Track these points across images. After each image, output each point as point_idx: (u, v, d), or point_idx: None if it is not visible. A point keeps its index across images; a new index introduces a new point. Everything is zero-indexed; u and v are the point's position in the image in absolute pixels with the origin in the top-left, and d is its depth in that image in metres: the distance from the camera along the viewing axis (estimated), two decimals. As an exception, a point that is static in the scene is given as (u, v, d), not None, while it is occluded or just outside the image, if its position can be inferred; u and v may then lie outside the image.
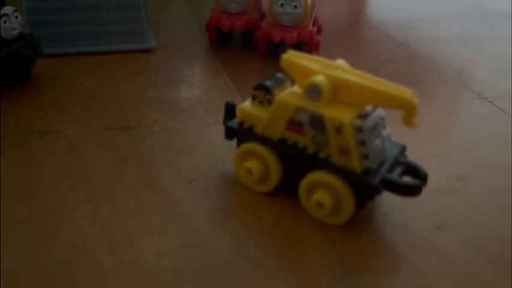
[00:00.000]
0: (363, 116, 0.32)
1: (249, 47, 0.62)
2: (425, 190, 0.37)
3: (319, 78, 0.31)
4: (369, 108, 0.33)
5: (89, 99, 0.51)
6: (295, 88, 0.35)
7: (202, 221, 0.35)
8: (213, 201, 0.37)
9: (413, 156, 0.38)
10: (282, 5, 0.55)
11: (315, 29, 0.59)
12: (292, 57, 0.34)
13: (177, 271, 0.31)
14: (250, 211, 0.36)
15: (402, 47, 0.68)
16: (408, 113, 0.30)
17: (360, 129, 0.31)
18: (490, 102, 0.53)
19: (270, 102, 0.35)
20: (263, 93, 0.35)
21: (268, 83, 0.35)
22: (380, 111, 0.33)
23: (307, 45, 0.58)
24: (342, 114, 0.31)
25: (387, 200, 0.37)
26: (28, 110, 0.48)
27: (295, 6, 0.55)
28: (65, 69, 0.57)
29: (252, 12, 0.60)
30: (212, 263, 0.32)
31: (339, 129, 0.31)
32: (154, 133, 0.46)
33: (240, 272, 0.31)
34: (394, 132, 0.36)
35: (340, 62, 0.34)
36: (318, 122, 0.32)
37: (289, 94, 0.34)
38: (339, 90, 0.32)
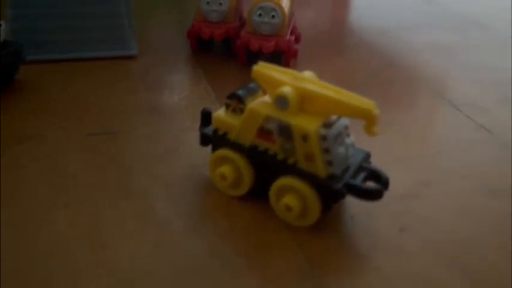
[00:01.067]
0: (328, 125, 0.34)
1: (229, 54, 0.64)
2: (391, 194, 0.40)
3: (287, 90, 0.33)
4: (333, 117, 0.35)
5: (72, 105, 0.52)
6: (266, 98, 0.36)
7: (177, 224, 0.37)
8: (189, 205, 0.39)
9: (382, 161, 0.40)
10: (260, 15, 0.57)
11: (292, 37, 0.61)
12: (262, 68, 0.36)
13: (150, 272, 0.33)
14: (223, 214, 0.38)
15: (379, 54, 0.71)
16: (369, 122, 0.32)
17: (324, 138, 0.33)
18: (458, 110, 0.55)
19: (242, 111, 0.37)
20: (236, 102, 0.37)
21: (240, 92, 0.37)
22: (344, 121, 0.35)
23: (285, 53, 0.60)
24: (307, 124, 0.33)
25: (354, 203, 0.39)
26: (11, 115, 0.49)
27: (273, 16, 0.57)
28: (48, 75, 0.58)
29: (231, 21, 0.62)
30: (185, 264, 0.33)
31: (305, 137, 0.33)
32: (135, 138, 0.47)
33: (211, 272, 0.33)
34: (364, 137, 0.38)
35: (308, 73, 0.36)
36: (285, 131, 0.34)
37: (260, 103, 0.35)
38: (305, 101, 0.34)
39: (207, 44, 0.65)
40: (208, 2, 0.60)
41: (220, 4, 0.60)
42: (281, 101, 0.34)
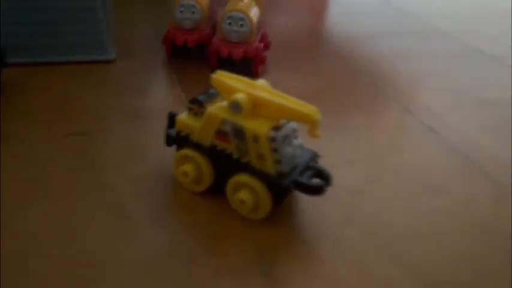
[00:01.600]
0: (277, 128, 0.38)
1: (202, 60, 0.68)
2: (339, 190, 0.44)
3: (240, 96, 0.37)
4: (283, 121, 0.39)
5: (51, 107, 0.56)
6: (224, 103, 0.40)
7: (144, 218, 0.41)
8: (155, 200, 0.43)
9: (336, 161, 0.44)
10: (229, 23, 0.61)
11: (261, 45, 0.65)
12: (220, 77, 0.40)
13: (117, 262, 0.36)
14: (185, 208, 0.42)
15: (347, 61, 0.75)
16: (311, 126, 0.36)
17: (273, 139, 0.37)
18: (412, 114, 0.60)
19: (202, 114, 0.41)
20: (197, 107, 0.41)
21: (201, 98, 0.41)
22: (292, 124, 0.39)
23: (253, 59, 0.64)
24: (258, 127, 0.37)
25: (305, 198, 0.43)
26: (-7, 116, 0.53)
27: (242, 25, 0.61)
28: (29, 78, 0.61)
29: (204, 28, 0.66)
30: (148, 255, 0.37)
31: (256, 138, 0.37)
32: (110, 139, 0.51)
33: (171, 260, 0.37)
34: (320, 141, 0.42)
35: (261, 82, 0.40)
36: (239, 133, 0.38)
37: (217, 108, 0.39)
38: (257, 106, 0.38)
39: (183, 49, 0.69)
40: (181, 11, 0.64)
41: (193, 12, 0.64)
42: (235, 106, 0.38)
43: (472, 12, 1.05)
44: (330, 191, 0.44)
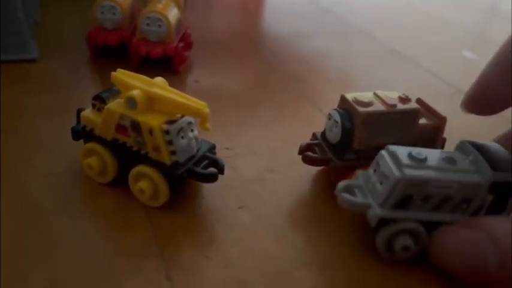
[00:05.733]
0: (171, 121, 0.41)
1: (126, 59, 0.70)
2: (240, 179, 0.48)
3: (135, 92, 0.40)
4: (178, 115, 0.42)
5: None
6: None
7: (52, 209, 0.43)
8: (62, 192, 0.45)
9: (242, 153, 0.47)
10: (148, 24, 0.64)
11: (181, 45, 0.68)
12: (120, 75, 0.43)
13: (26, 250, 0.39)
14: (90, 199, 0.45)
15: (269, 61, 0.79)
16: (202, 119, 0.40)
17: (167, 132, 0.40)
18: (320, 110, 0.65)
19: (105, 110, 0.43)
20: (99, 103, 0.44)
21: (103, 94, 0.44)
22: (188, 118, 0.42)
23: (173, 59, 0.67)
24: (152, 120, 0.40)
25: (206, 187, 0.47)
26: None
27: (160, 26, 0.64)
28: None
29: (126, 28, 0.68)
30: (55, 241, 0.40)
31: (151, 131, 0.40)
32: (22, 136, 0.52)
33: (75, 246, 0.39)
34: (231, 134, 0.45)
35: (159, 79, 0.43)
36: (136, 126, 0.41)
37: (115, 104, 0.42)
38: (152, 102, 0.41)
39: (107, 49, 0.71)
40: (102, 11, 0.66)
41: (114, 13, 0.66)
42: (131, 102, 0.41)
43: (393, 13, 1.11)
44: (231, 180, 0.48)
